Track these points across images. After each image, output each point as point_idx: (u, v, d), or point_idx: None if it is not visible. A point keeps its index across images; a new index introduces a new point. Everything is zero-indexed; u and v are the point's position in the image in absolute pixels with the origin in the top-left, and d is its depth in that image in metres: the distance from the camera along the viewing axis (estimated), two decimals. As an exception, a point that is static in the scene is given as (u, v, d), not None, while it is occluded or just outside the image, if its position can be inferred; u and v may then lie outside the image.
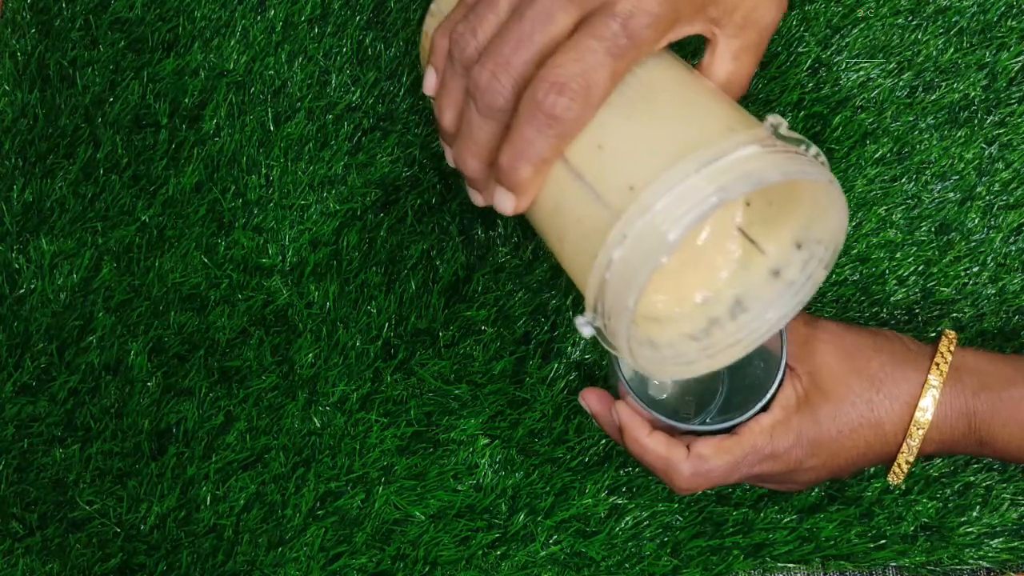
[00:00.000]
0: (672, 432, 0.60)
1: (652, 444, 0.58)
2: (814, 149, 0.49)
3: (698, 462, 0.57)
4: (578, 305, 0.69)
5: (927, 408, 0.57)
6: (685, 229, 0.45)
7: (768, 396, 0.58)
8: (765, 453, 0.58)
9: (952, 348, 0.59)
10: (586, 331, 0.50)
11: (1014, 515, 0.67)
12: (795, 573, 0.67)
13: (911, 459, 0.59)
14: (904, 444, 0.58)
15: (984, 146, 0.70)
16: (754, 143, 0.47)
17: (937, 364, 0.58)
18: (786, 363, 0.58)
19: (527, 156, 0.49)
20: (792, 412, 0.58)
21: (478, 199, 0.55)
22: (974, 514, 0.67)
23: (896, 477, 0.60)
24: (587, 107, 0.48)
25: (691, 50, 0.69)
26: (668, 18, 0.49)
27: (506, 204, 0.51)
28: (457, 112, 0.53)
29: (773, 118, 0.48)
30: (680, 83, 0.51)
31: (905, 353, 0.59)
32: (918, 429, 0.58)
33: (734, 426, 0.58)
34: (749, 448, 0.58)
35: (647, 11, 0.48)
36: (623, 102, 0.49)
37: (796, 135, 0.49)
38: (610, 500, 0.67)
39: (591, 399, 0.63)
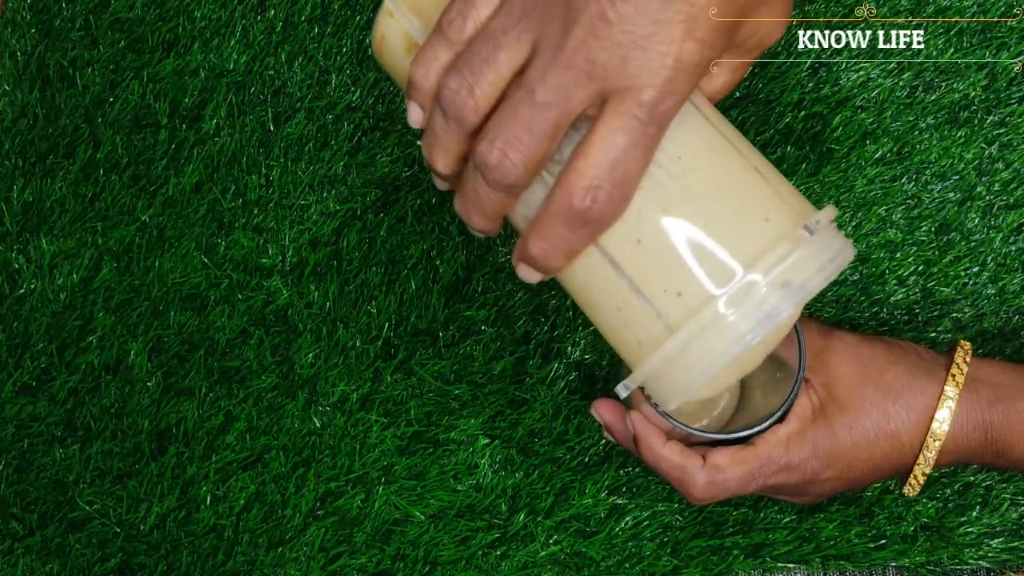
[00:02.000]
0: (688, 441, 0.58)
1: (667, 453, 0.57)
2: (833, 213, 0.49)
3: (713, 472, 0.56)
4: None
5: (944, 420, 0.56)
6: (738, 353, 0.46)
7: (784, 407, 0.57)
8: (781, 464, 0.57)
9: (968, 359, 0.58)
10: (624, 395, 0.50)
11: (1014, 515, 0.65)
12: (795, 573, 0.67)
13: (927, 470, 0.57)
14: (921, 456, 0.57)
15: (984, 146, 0.70)
16: (797, 247, 0.46)
17: (953, 375, 0.57)
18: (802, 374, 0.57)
19: (560, 250, 0.47)
20: (808, 423, 0.57)
21: (476, 234, 0.53)
22: (974, 514, 0.66)
23: (912, 489, 0.59)
24: (622, 203, 0.46)
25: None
26: (693, 88, 0.46)
27: (531, 279, 0.50)
28: (451, 160, 0.50)
29: (810, 219, 0.47)
30: (704, 152, 0.48)
31: (920, 364, 0.58)
32: (935, 441, 0.56)
33: (750, 436, 0.57)
34: (765, 459, 0.56)
35: (675, 92, 0.45)
36: (651, 184, 0.47)
37: (825, 216, 0.48)
38: (610, 500, 0.66)
39: (604, 410, 0.61)
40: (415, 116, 0.51)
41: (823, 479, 0.58)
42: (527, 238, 0.48)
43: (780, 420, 0.57)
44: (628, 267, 0.48)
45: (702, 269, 0.46)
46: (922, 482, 0.58)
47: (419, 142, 0.48)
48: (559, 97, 0.45)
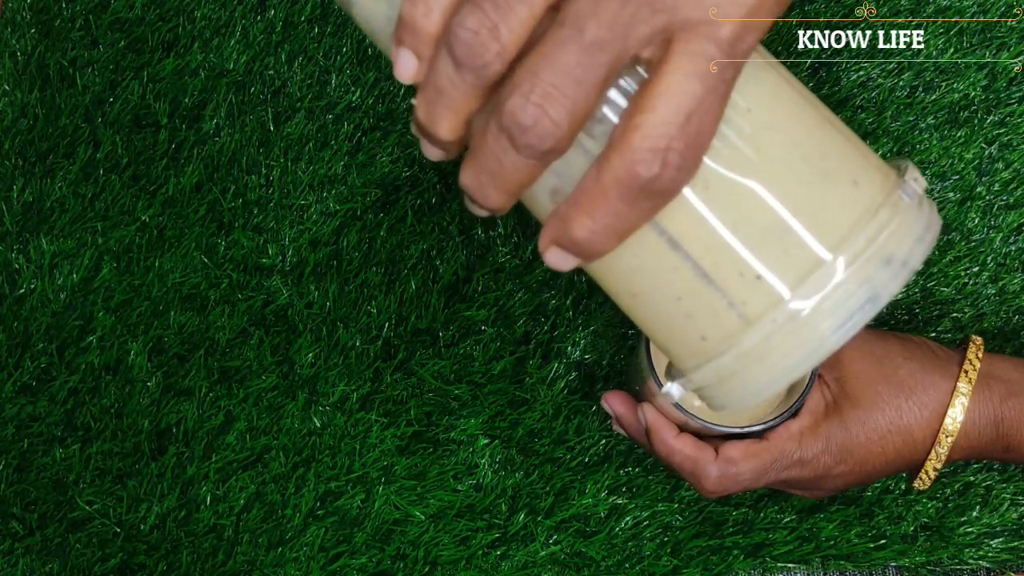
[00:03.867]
0: (700, 435, 0.57)
1: (680, 445, 0.56)
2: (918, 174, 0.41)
3: (726, 465, 0.55)
4: (578, 305, 0.69)
5: (956, 416, 0.55)
6: (827, 352, 0.39)
7: (797, 402, 0.56)
8: (794, 459, 0.56)
9: (980, 355, 0.57)
10: (676, 395, 0.43)
11: (1014, 515, 0.64)
12: (795, 573, 0.66)
13: (939, 466, 0.57)
14: (933, 451, 0.56)
15: (984, 146, 0.69)
16: (894, 214, 0.39)
17: (966, 371, 0.56)
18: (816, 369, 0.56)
19: (613, 230, 0.38)
20: (820, 418, 0.56)
21: (481, 213, 0.42)
22: (974, 514, 0.65)
23: (923, 483, 0.58)
24: (696, 167, 0.37)
25: None
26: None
27: (565, 266, 0.40)
28: (460, 123, 0.39)
29: (912, 178, 0.40)
30: (776, 104, 0.40)
31: (933, 360, 0.57)
32: (947, 437, 0.56)
33: (763, 430, 0.56)
34: (778, 453, 0.56)
35: (759, 25, 0.36)
36: (721, 144, 0.38)
37: (920, 177, 0.41)
38: (610, 500, 0.65)
39: (614, 402, 0.60)
40: (408, 67, 0.39)
41: (835, 474, 0.57)
42: (568, 217, 0.38)
43: (793, 415, 0.57)
44: (693, 247, 0.39)
45: (788, 246, 0.38)
46: (933, 477, 0.58)
47: (412, 101, 0.39)
48: (615, 34, 0.35)
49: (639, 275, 0.41)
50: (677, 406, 0.56)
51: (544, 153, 0.37)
